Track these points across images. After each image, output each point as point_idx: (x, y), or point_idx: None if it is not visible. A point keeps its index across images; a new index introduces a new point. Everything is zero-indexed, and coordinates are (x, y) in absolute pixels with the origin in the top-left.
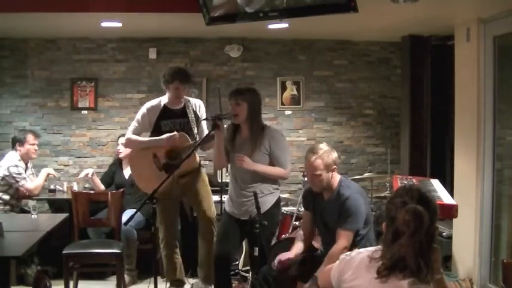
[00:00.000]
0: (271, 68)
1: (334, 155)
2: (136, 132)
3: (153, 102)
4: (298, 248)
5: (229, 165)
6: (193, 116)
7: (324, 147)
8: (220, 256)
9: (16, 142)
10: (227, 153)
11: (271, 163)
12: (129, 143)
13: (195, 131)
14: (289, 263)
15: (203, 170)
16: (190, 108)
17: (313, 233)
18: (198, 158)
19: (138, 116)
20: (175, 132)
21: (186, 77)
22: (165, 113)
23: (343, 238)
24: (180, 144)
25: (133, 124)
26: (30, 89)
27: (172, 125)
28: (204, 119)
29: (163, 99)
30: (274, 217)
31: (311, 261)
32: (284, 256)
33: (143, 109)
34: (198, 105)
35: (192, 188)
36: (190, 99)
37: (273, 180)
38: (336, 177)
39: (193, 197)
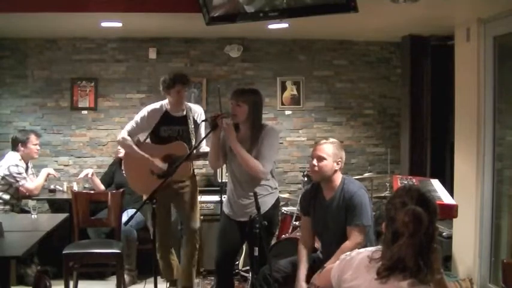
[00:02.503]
0: (271, 68)
1: (343, 152)
2: (133, 132)
3: (155, 105)
4: (305, 266)
5: (227, 166)
6: (192, 125)
7: (336, 141)
8: (222, 259)
9: (19, 143)
10: (224, 153)
11: (255, 156)
12: (123, 145)
13: (193, 141)
14: (287, 263)
15: (194, 179)
16: (191, 117)
17: (313, 238)
18: (192, 167)
19: (138, 117)
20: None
21: (187, 80)
22: (166, 118)
23: (355, 234)
24: (177, 152)
25: (131, 124)
26: (30, 89)
27: (171, 131)
28: (203, 121)
29: (165, 104)
30: (273, 217)
31: (310, 261)
32: None
33: (144, 111)
34: (199, 113)
35: (182, 196)
36: (192, 106)
37: (271, 180)
38: (339, 176)
39: (183, 207)
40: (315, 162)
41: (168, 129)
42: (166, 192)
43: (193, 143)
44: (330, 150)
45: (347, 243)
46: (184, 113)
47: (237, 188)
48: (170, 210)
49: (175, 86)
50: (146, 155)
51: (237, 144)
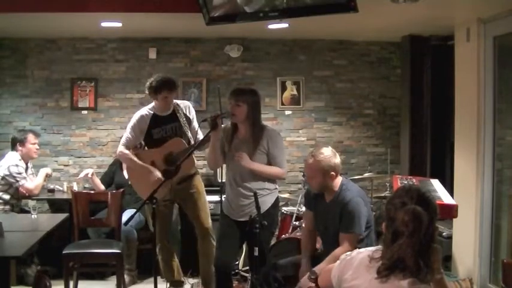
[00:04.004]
0: (271, 68)
1: (336, 160)
2: (129, 144)
3: (142, 111)
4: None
5: (225, 166)
6: (184, 119)
7: (326, 151)
8: (221, 259)
9: (17, 142)
10: (223, 153)
11: (269, 162)
12: (123, 159)
13: (189, 134)
14: (287, 263)
15: (199, 177)
16: (180, 112)
17: (315, 232)
18: (195, 163)
19: (129, 127)
20: (159, 177)
21: (174, 85)
22: (155, 121)
23: (346, 242)
24: (176, 148)
25: (126, 136)
26: (30, 89)
27: (163, 132)
28: (203, 121)
29: (152, 108)
30: (273, 217)
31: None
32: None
33: (133, 120)
34: (187, 107)
35: (190, 197)
36: (179, 102)
37: (271, 179)
38: (338, 180)
39: (191, 207)
40: (308, 180)
41: (160, 130)
42: (172, 194)
43: (189, 135)
44: (316, 168)
45: (338, 250)
46: (172, 110)
47: (236, 188)
48: (172, 211)
49: (162, 92)
50: (146, 165)
51: (254, 164)
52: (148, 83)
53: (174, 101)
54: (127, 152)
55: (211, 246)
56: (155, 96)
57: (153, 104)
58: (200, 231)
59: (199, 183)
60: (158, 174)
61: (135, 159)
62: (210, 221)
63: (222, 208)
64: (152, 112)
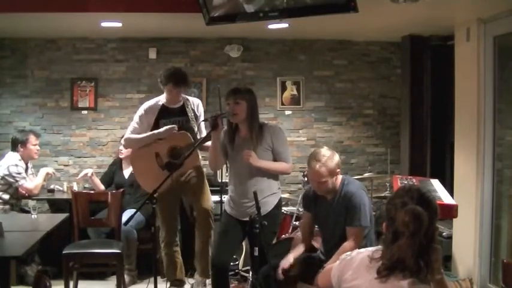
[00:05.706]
0: (271, 68)
1: (337, 158)
2: (136, 132)
3: (151, 102)
4: (299, 250)
5: (227, 166)
6: (192, 114)
7: (326, 152)
8: (219, 258)
9: (18, 143)
10: (225, 154)
11: (274, 159)
12: (128, 143)
13: (196, 129)
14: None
15: (202, 169)
16: (189, 107)
17: (312, 233)
18: (200, 157)
19: (136, 117)
20: (174, 125)
21: (181, 80)
22: (164, 112)
23: (355, 234)
24: (182, 142)
25: (132, 125)
26: (30, 89)
27: (171, 123)
28: (203, 120)
29: (161, 99)
30: (275, 218)
31: (311, 261)
32: (286, 264)
33: (141, 110)
34: (196, 104)
35: (191, 185)
36: (189, 97)
37: (274, 179)
38: (339, 178)
39: (192, 192)
40: (316, 185)
41: (168, 122)
42: (175, 187)
43: (196, 130)
44: (326, 171)
45: (346, 244)
46: (182, 103)
47: (240, 188)
48: (178, 207)
49: (167, 84)
50: (152, 132)
51: (261, 162)
52: (160, 72)
53: (186, 96)
54: (133, 135)
55: (209, 227)
56: (163, 86)
57: (163, 95)
58: (198, 213)
59: (199, 171)
60: (175, 126)
61: (141, 135)
62: (211, 203)
63: (224, 207)
64: (161, 103)
